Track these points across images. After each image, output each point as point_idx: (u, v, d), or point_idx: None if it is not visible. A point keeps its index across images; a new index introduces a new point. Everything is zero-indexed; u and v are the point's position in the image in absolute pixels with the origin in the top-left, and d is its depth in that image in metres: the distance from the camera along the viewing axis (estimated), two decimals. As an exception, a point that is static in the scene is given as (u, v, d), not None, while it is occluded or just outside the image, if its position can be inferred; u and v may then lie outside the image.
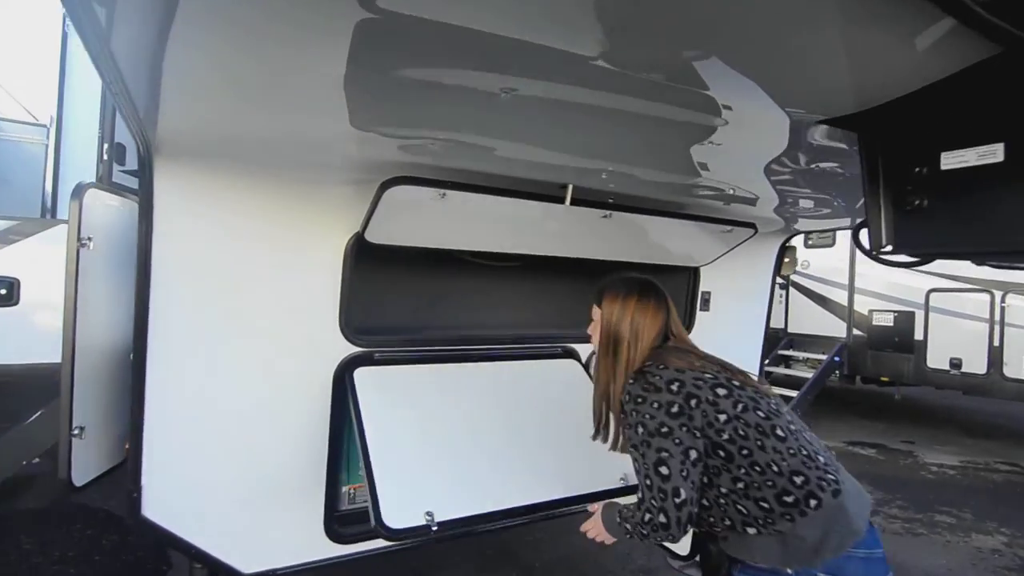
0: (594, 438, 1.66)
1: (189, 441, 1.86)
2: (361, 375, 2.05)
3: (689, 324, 2.91)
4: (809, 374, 6.62)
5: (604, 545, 1.61)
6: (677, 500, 1.29)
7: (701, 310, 2.88)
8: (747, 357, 3.19)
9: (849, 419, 7.13)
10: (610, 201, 2.09)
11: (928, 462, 5.61)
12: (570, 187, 1.98)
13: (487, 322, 2.50)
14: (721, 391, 1.38)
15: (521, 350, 2.43)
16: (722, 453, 1.33)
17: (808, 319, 7.15)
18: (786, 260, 3.15)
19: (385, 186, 1.70)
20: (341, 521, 2.20)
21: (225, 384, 1.89)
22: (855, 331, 6.71)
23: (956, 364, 5.91)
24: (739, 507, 1.32)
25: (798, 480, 1.29)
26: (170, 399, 1.80)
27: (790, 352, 7.30)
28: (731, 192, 2.12)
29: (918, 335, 6.20)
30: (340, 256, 2.00)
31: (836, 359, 6.58)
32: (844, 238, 6.73)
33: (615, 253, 2.40)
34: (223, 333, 1.87)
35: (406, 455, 1.88)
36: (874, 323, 6.56)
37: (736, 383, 1.42)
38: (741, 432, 1.33)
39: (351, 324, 2.07)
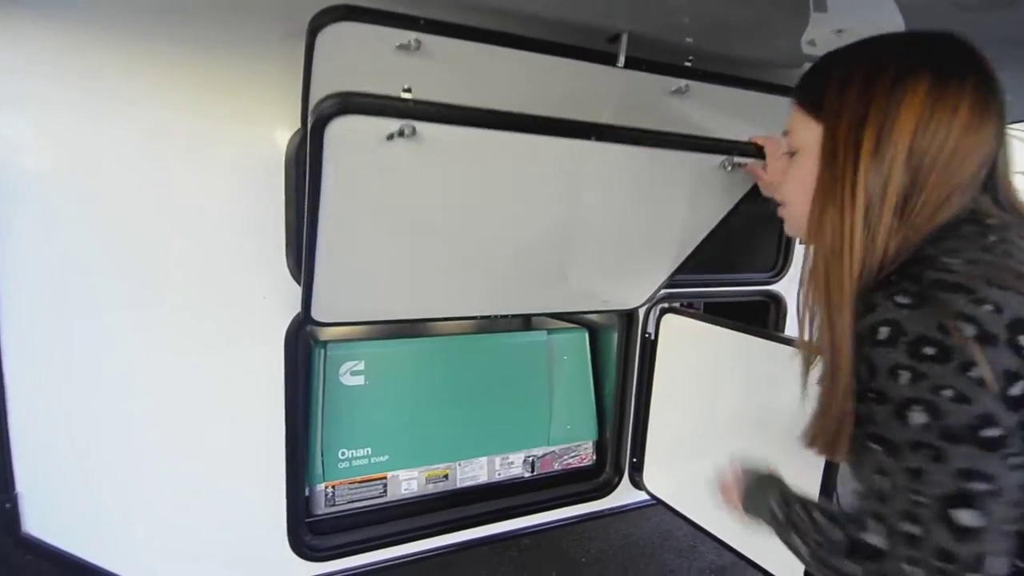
0: (809, 444, 0.81)
1: (78, 435, 1.30)
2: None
3: (784, 261, 2.17)
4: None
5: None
6: None
7: (802, 242, 2.12)
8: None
9: None
10: (688, 62, 1.35)
11: None
12: (624, 37, 1.25)
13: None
14: None
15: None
16: None
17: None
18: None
19: (318, 23, 1.03)
20: (314, 530, 1.64)
21: (121, 355, 1.30)
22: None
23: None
24: None
25: None
26: (44, 381, 1.24)
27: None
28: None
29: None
30: (279, 162, 1.35)
31: None
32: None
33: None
34: (109, 286, 1.27)
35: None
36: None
37: None
38: None
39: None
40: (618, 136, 1.09)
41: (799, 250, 2.15)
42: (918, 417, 0.58)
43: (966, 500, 0.57)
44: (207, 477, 1.44)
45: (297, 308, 1.43)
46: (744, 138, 1.34)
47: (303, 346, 1.50)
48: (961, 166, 0.65)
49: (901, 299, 0.61)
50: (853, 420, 0.68)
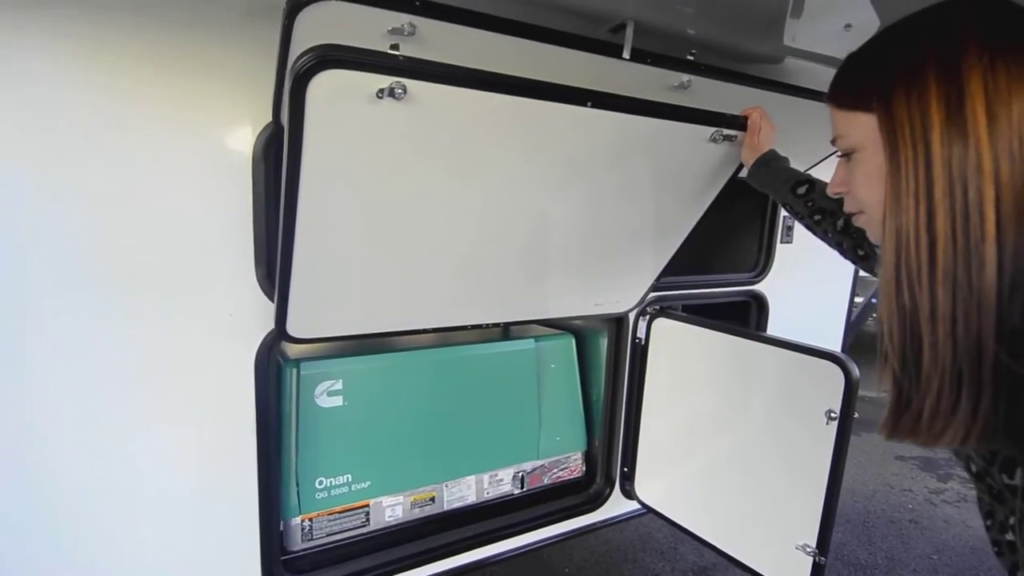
0: (889, 435, 0.63)
1: (29, 466, 1.11)
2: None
3: (766, 262, 2.15)
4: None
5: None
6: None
7: (783, 241, 2.12)
8: (835, 305, 2.46)
9: None
10: (691, 56, 1.28)
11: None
12: (630, 27, 1.16)
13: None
14: None
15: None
16: None
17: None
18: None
19: (297, 3, 0.89)
20: (291, 568, 1.49)
21: (69, 384, 1.12)
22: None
23: None
24: None
25: None
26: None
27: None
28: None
29: None
30: (247, 162, 1.20)
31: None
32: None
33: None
34: (53, 305, 1.08)
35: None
36: None
37: None
38: None
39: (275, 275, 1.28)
40: (613, 103, 1.03)
41: (781, 249, 2.14)
42: None
43: None
44: (171, 513, 1.27)
45: (268, 326, 1.28)
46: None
47: (274, 367, 1.34)
48: None
49: None
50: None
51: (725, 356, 1.69)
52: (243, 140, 1.18)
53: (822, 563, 1.41)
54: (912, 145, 0.57)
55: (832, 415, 1.37)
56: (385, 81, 0.82)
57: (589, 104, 1.01)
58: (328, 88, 0.80)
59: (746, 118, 1.24)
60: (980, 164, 0.53)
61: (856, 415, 1.42)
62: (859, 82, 0.66)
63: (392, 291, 1.30)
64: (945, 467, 3.85)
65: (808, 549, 1.44)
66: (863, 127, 0.65)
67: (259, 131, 1.18)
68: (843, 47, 1.40)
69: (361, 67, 0.80)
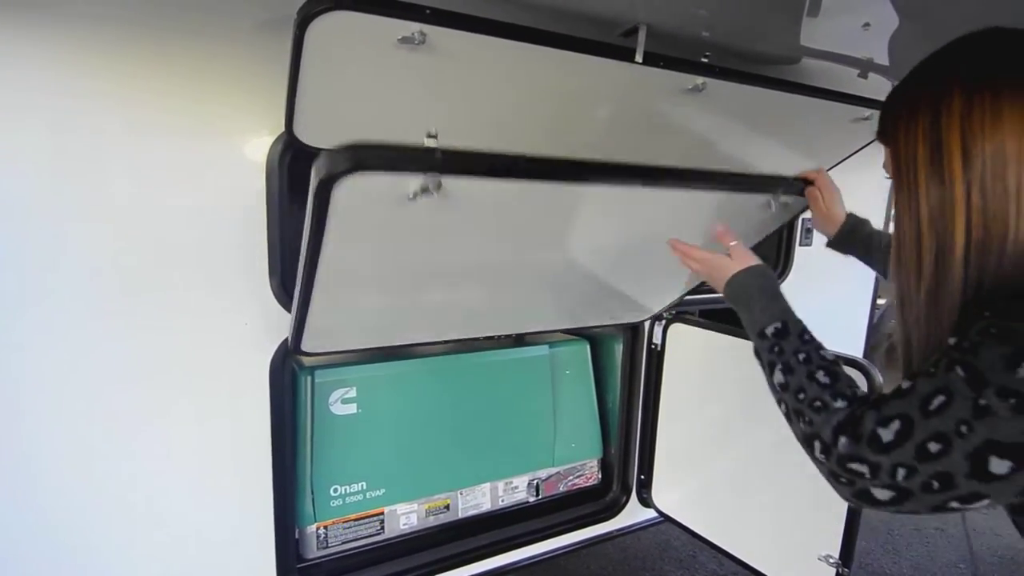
0: None
1: (36, 473, 1.12)
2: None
3: (785, 264, 2.11)
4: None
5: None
6: (935, 485, 0.57)
7: (802, 244, 2.07)
8: (857, 307, 2.41)
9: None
10: (705, 58, 1.26)
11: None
12: (642, 31, 1.15)
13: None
14: None
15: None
16: None
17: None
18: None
19: (308, 12, 0.89)
20: (307, 576, 1.49)
21: (82, 387, 1.13)
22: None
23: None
24: None
25: None
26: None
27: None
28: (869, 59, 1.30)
29: None
30: (261, 173, 1.21)
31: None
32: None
33: (691, 155, 1.58)
34: (70, 312, 1.10)
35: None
36: None
37: None
38: None
39: (292, 285, 1.29)
40: (665, 179, 0.99)
41: (800, 252, 2.10)
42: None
43: (1007, 453, 0.54)
44: (186, 523, 1.28)
45: (282, 334, 1.28)
46: (773, 143, 1.27)
47: (288, 375, 1.35)
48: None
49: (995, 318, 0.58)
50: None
51: (743, 361, 1.66)
52: (258, 150, 1.19)
53: (845, 574, 1.38)
54: (906, 180, 0.66)
55: (855, 422, 1.34)
56: (418, 181, 0.79)
57: (640, 183, 0.96)
58: (356, 190, 0.78)
59: (805, 182, 1.18)
60: (954, 200, 0.61)
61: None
62: (883, 120, 0.73)
63: (411, 311, 1.29)
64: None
65: (831, 560, 1.40)
66: (888, 158, 0.73)
67: (273, 141, 1.19)
68: (862, 47, 1.38)
69: (394, 168, 0.77)
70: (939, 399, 0.58)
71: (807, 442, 0.72)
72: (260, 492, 1.34)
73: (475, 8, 1.01)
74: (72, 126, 1.04)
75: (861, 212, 1.42)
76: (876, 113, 1.65)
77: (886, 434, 0.61)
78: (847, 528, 1.36)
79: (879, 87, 1.56)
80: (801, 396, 0.74)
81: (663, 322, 1.82)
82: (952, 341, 0.60)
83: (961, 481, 0.56)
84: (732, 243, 1.03)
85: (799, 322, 0.86)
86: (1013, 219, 0.59)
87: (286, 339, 1.28)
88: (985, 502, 0.58)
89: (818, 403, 0.71)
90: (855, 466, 0.63)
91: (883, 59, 1.41)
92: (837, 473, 0.65)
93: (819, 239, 2.09)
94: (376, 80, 1.04)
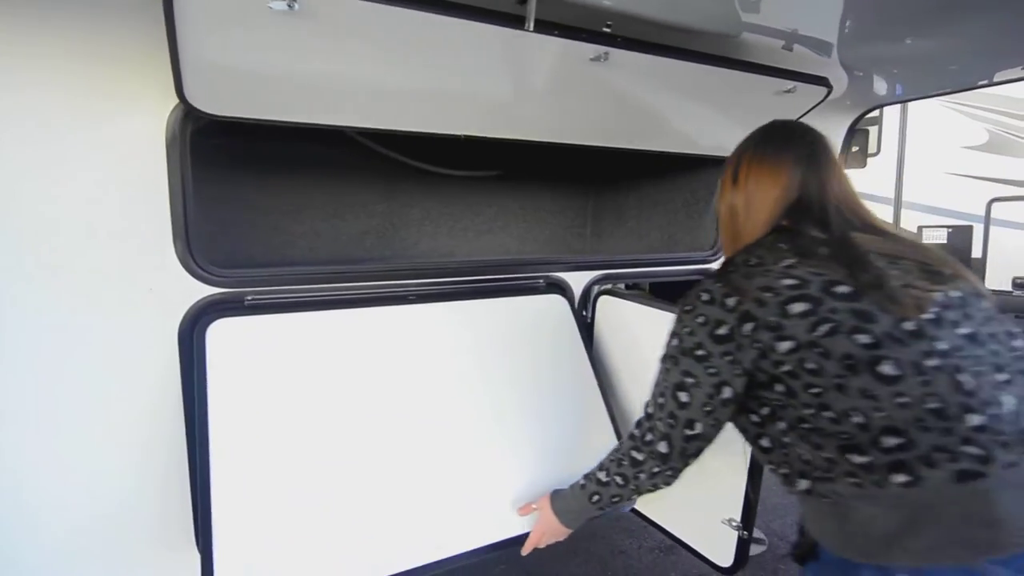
0: None
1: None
2: (221, 332, 1.32)
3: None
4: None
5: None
6: (688, 432, 1.06)
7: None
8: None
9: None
10: (607, 27, 1.26)
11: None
12: (534, -2, 1.15)
13: (419, 244, 1.72)
14: (798, 307, 0.94)
15: (471, 284, 1.66)
16: (781, 388, 0.97)
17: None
18: (854, 148, 2.30)
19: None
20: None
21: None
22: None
23: (1021, 284, 5.11)
24: (798, 451, 0.98)
25: (890, 441, 0.87)
26: None
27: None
28: (794, 30, 1.30)
29: (976, 252, 5.38)
30: (161, 139, 1.22)
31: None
32: (889, 147, 5.77)
33: (606, 134, 1.59)
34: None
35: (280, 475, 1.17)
36: (924, 240, 5.70)
37: (849, 288, 0.93)
38: (811, 365, 0.92)
39: (198, 249, 1.31)
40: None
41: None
42: (674, 340, 1.07)
43: (683, 387, 1.04)
44: (102, 491, 1.32)
45: (192, 297, 1.31)
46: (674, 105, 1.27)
47: (199, 343, 1.37)
48: (762, 199, 1.10)
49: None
50: None
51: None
52: (156, 121, 1.20)
53: (745, 536, 1.43)
54: (722, 190, 1.17)
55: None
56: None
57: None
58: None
59: None
60: (734, 203, 1.13)
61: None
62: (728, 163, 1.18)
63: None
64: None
65: (734, 523, 1.45)
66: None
67: (170, 111, 1.20)
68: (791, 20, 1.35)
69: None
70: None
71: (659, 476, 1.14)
72: (176, 457, 1.37)
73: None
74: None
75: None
76: (800, 87, 1.65)
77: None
78: (746, 496, 1.41)
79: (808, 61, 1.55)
80: (626, 480, 1.16)
81: (593, 293, 1.84)
82: None
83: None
84: (533, 507, 1.40)
85: (589, 480, 1.25)
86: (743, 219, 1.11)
87: (195, 302, 1.31)
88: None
89: (634, 469, 1.15)
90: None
91: (810, 31, 1.40)
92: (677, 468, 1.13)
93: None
94: (256, 47, 1.05)
